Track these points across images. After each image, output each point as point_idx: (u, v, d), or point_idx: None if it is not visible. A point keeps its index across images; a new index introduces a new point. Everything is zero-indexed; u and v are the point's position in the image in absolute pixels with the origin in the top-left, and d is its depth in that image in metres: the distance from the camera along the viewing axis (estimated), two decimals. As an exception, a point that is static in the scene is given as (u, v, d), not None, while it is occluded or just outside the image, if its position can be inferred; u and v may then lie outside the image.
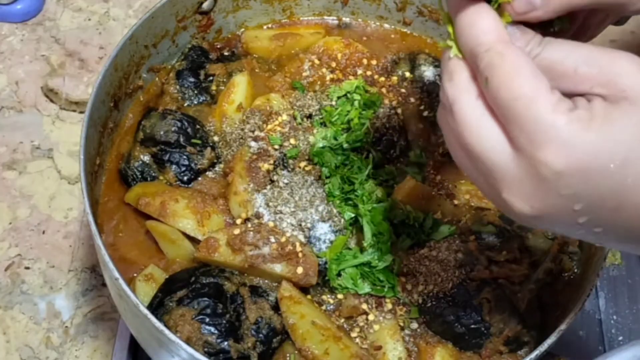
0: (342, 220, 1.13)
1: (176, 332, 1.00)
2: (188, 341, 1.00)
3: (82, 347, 1.34)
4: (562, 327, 0.98)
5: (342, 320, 1.09)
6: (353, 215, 1.13)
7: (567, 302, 1.08)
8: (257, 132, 1.21)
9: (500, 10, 0.69)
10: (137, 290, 1.08)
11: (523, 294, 1.08)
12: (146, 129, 1.21)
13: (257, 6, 1.38)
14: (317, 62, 1.32)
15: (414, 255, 1.10)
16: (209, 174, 1.22)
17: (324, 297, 1.11)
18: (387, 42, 1.41)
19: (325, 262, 1.10)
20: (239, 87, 1.26)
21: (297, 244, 1.09)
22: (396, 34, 1.42)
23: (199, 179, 1.21)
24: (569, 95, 0.66)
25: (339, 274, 1.10)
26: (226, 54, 1.36)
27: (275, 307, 1.07)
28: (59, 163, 1.53)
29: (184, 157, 1.19)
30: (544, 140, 0.63)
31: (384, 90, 1.28)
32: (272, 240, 1.08)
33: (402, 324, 1.09)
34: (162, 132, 1.19)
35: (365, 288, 1.09)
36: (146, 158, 1.20)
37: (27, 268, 1.41)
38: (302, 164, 1.18)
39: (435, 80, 1.29)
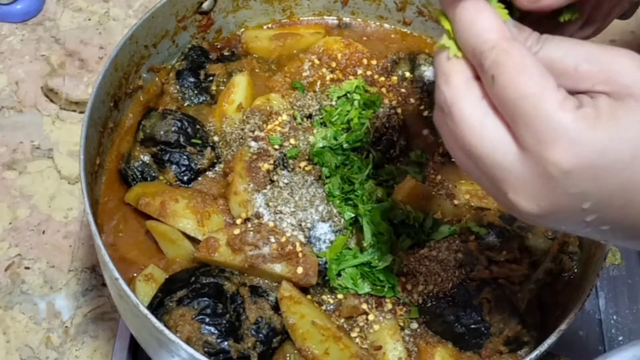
0: (342, 220, 1.13)
1: (176, 332, 1.00)
2: (188, 341, 1.00)
3: (82, 347, 1.34)
4: (562, 327, 0.98)
5: (342, 320, 1.09)
6: (353, 215, 1.13)
7: (567, 302, 1.08)
8: (257, 132, 1.21)
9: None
10: (137, 290, 1.08)
11: (523, 294, 1.08)
12: (146, 129, 1.21)
13: (257, 6, 1.38)
14: (317, 62, 1.32)
15: (414, 255, 1.10)
16: (209, 174, 1.22)
17: (324, 297, 1.11)
18: (387, 42, 1.41)
19: (325, 262, 1.10)
20: (239, 87, 1.26)
21: (297, 244, 1.09)
22: (396, 34, 1.42)
23: (199, 179, 1.21)
24: (571, 93, 0.66)
25: (339, 274, 1.10)
26: (226, 54, 1.36)
27: (275, 307, 1.07)
28: (59, 163, 1.53)
29: (184, 157, 1.19)
30: (551, 138, 0.63)
31: (384, 90, 1.28)
32: (272, 240, 1.08)
33: (402, 324, 1.09)
34: (162, 132, 1.19)
35: (365, 288, 1.09)
36: (146, 158, 1.20)
37: (27, 268, 1.41)
38: (302, 164, 1.18)
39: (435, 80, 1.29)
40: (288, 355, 1.06)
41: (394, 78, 1.31)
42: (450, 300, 1.07)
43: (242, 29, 1.39)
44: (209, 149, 1.20)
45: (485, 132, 0.66)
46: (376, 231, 1.10)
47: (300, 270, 1.07)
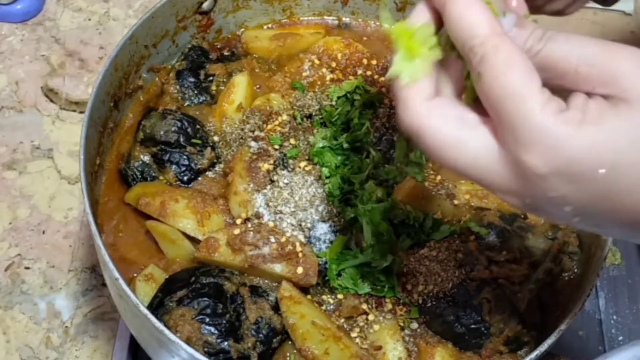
0: (342, 220, 1.13)
1: (176, 332, 1.00)
2: (188, 341, 1.00)
3: (82, 347, 1.34)
4: (562, 327, 0.97)
5: (342, 320, 1.09)
6: (353, 215, 1.12)
7: (567, 302, 1.08)
8: (257, 132, 1.21)
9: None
10: (137, 290, 1.08)
11: (523, 294, 1.08)
12: (146, 129, 1.21)
13: (257, 6, 1.38)
14: (317, 62, 1.32)
15: (414, 255, 1.10)
16: (209, 174, 1.22)
17: (324, 297, 1.11)
18: (387, 42, 1.40)
19: (325, 262, 1.10)
20: (239, 87, 1.26)
21: (297, 244, 1.09)
22: (396, 34, 1.42)
23: (199, 179, 1.21)
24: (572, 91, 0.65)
25: (339, 274, 1.10)
26: (226, 54, 1.36)
27: (275, 307, 1.07)
28: (59, 163, 1.53)
29: (184, 157, 1.19)
30: (529, 141, 0.62)
31: (384, 90, 1.28)
32: (272, 240, 1.08)
33: (402, 324, 1.09)
34: (162, 132, 1.19)
35: (365, 288, 1.09)
36: (146, 158, 1.20)
37: (27, 268, 1.41)
38: (302, 164, 1.18)
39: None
40: (288, 355, 1.06)
41: (394, 78, 1.31)
42: (450, 300, 1.07)
43: (242, 29, 1.39)
44: (209, 149, 1.20)
45: (462, 146, 0.66)
46: (376, 231, 1.10)
47: (300, 270, 1.07)
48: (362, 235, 1.11)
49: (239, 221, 1.13)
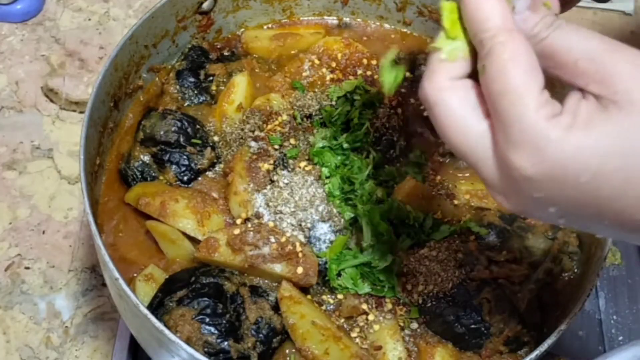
0: (342, 220, 1.13)
1: (176, 332, 1.00)
2: (188, 341, 1.00)
3: (82, 347, 1.34)
4: (562, 327, 0.98)
5: (342, 320, 1.09)
6: (353, 215, 1.13)
7: (567, 302, 1.08)
8: (257, 132, 1.21)
9: None
10: (137, 290, 1.08)
11: (523, 294, 1.08)
12: (146, 129, 1.21)
13: (257, 6, 1.38)
14: (317, 62, 1.32)
15: (414, 255, 1.10)
16: (209, 174, 1.22)
17: (324, 297, 1.11)
18: (387, 42, 1.40)
19: (325, 262, 1.10)
20: (239, 87, 1.26)
21: (297, 244, 1.09)
22: (396, 34, 1.42)
23: (199, 179, 1.21)
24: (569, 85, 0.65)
25: (339, 274, 1.10)
26: (226, 54, 1.36)
27: (275, 307, 1.07)
28: (59, 163, 1.53)
29: (184, 157, 1.19)
30: (519, 141, 0.63)
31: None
32: (272, 240, 1.08)
33: (402, 324, 1.09)
34: (162, 132, 1.19)
35: (365, 288, 1.09)
36: (146, 158, 1.20)
37: (27, 268, 1.41)
38: (302, 164, 1.18)
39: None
40: (288, 355, 1.06)
41: (394, 78, 1.31)
42: (450, 300, 1.07)
43: (242, 29, 1.39)
44: (209, 149, 1.20)
45: (465, 131, 0.67)
46: (376, 231, 1.10)
47: (300, 270, 1.07)
48: (362, 235, 1.11)
49: (239, 221, 1.13)
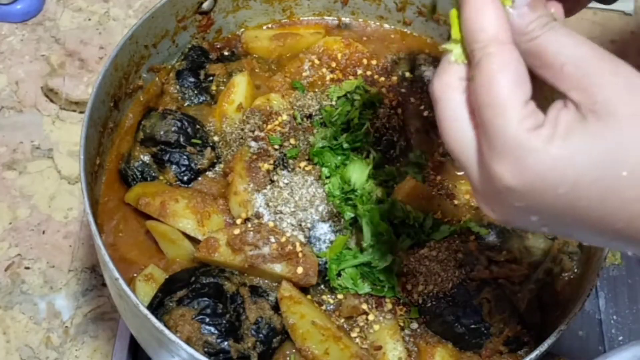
0: (342, 220, 1.13)
1: (176, 332, 1.00)
2: (188, 341, 1.00)
3: (82, 347, 1.34)
4: (562, 327, 0.98)
5: (342, 320, 1.09)
6: (353, 215, 1.13)
7: (567, 302, 1.08)
8: (257, 132, 1.21)
9: None
10: (137, 290, 1.08)
11: (523, 294, 1.08)
12: (146, 129, 1.21)
13: (257, 6, 1.38)
14: (317, 62, 1.32)
15: (414, 255, 1.09)
16: (209, 174, 1.22)
17: (324, 297, 1.11)
18: (387, 42, 1.40)
19: (325, 262, 1.10)
20: (239, 87, 1.26)
21: (297, 244, 1.09)
22: (396, 34, 1.42)
23: (199, 179, 1.21)
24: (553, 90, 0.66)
25: (339, 274, 1.10)
26: (226, 54, 1.36)
27: (275, 307, 1.07)
28: (59, 163, 1.53)
29: (184, 157, 1.19)
30: (501, 152, 0.64)
31: (384, 90, 1.28)
32: (272, 240, 1.08)
33: (402, 324, 1.09)
34: (162, 132, 1.19)
35: (365, 288, 1.09)
36: (146, 158, 1.20)
37: (27, 268, 1.41)
38: (302, 164, 1.18)
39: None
40: (288, 355, 1.06)
41: (394, 78, 1.31)
42: (450, 300, 1.07)
43: (242, 29, 1.39)
44: (209, 149, 1.20)
45: (459, 134, 0.68)
46: (376, 231, 1.10)
47: (300, 270, 1.07)
48: (362, 235, 1.11)
49: (239, 221, 1.13)
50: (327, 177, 1.16)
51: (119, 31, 1.70)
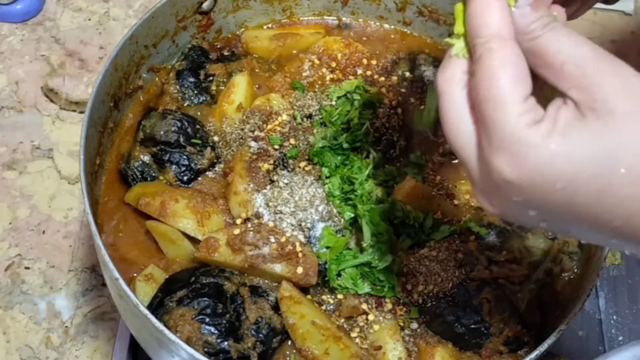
0: (342, 220, 1.13)
1: (176, 332, 1.00)
2: (188, 341, 1.00)
3: (82, 347, 1.34)
4: (562, 327, 0.98)
5: (342, 320, 1.09)
6: (353, 215, 1.13)
7: (567, 302, 1.08)
8: (257, 132, 1.21)
9: None
10: (137, 290, 1.08)
11: (523, 294, 1.08)
12: (146, 129, 1.21)
13: (257, 6, 1.38)
14: (317, 62, 1.32)
15: (414, 255, 1.10)
16: (209, 174, 1.22)
17: (324, 297, 1.11)
18: (387, 42, 1.41)
19: (325, 262, 1.10)
20: (239, 87, 1.26)
21: (297, 244, 1.09)
22: (396, 34, 1.42)
23: (199, 179, 1.21)
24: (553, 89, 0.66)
25: (339, 274, 1.10)
26: (226, 54, 1.36)
27: (275, 307, 1.07)
28: (59, 163, 1.53)
29: (184, 157, 1.19)
30: (500, 146, 0.64)
31: (384, 90, 1.28)
32: (272, 240, 1.08)
33: (402, 324, 1.09)
34: (162, 132, 1.19)
35: (365, 288, 1.09)
36: (146, 158, 1.20)
37: (27, 268, 1.41)
38: (302, 164, 1.18)
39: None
40: (288, 355, 1.06)
41: (394, 78, 1.31)
42: (450, 300, 1.07)
43: (242, 29, 1.39)
44: (209, 149, 1.20)
45: (460, 127, 0.68)
46: (376, 231, 1.10)
47: (300, 270, 1.07)
48: (362, 235, 1.11)
49: (239, 221, 1.13)
50: (327, 177, 1.16)
51: (119, 31, 1.70)
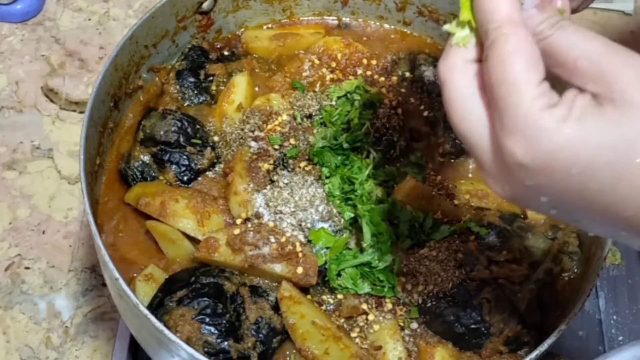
0: (342, 220, 1.13)
1: (176, 332, 1.00)
2: (188, 341, 1.00)
3: (82, 347, 1.34)
4: (562, 327, 0.98)
5: (342, 320, 1.09)
6: (353, 215, 1.13)
7: (567, 302, 1.08)
8: (257, 132, 1.21)
9: None
10: (137, 290, 1.08)
11: (523, 294, 1.08)
12: (146, 129, 1.21)
13: (257, 6, 1.38)
14: (317, 62, 1.32)
15: (414, 255, 1.10)
16: (209, 174, 1.22)
17: (324, 297, 1.11)
18: (387, 42, 1.41)
19: (325, 262, 1.10)
20: (239, 87, 1.26)
21: (297, 244, 1.09)
22: (396, 34, 1.42)
23: (199, 179, 1.21)
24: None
25: (339, 274, 1.10)
26: (226, 54, 1.36)
27: (275, 307, 1.07)
28: (59, 163, 1.53)
29: (184, 157, 1.19)
30: (514, 129, 0.64)
31: (384, 90, 1.28)
32: (272, 240, 1.08)
33: (402, 324, 1.09)
34: (162, 132, 1.19)
35: (365, 288, 1.09)
36: (146, 158, 1.20)
37: (27, 268, 1.41)
38: (302, 164, 1.18)
39: (435, 80, 1.29)
40: (288, 355, 1.06)
41: (394, 78, 1.31)
42: (450, 300, 1.07)
43: (242, 29, 1.39)
44: (209, 149, 1.20)
45: (467, 114, 0.68)
46: (376, 231, 1.10)
47: (300, 270, 1.07)
48: (362, 235, 1.11)
49: (239, 221, 1.13)
50: (327, 177, 1.16)
51: (119, 31, 1.70)
